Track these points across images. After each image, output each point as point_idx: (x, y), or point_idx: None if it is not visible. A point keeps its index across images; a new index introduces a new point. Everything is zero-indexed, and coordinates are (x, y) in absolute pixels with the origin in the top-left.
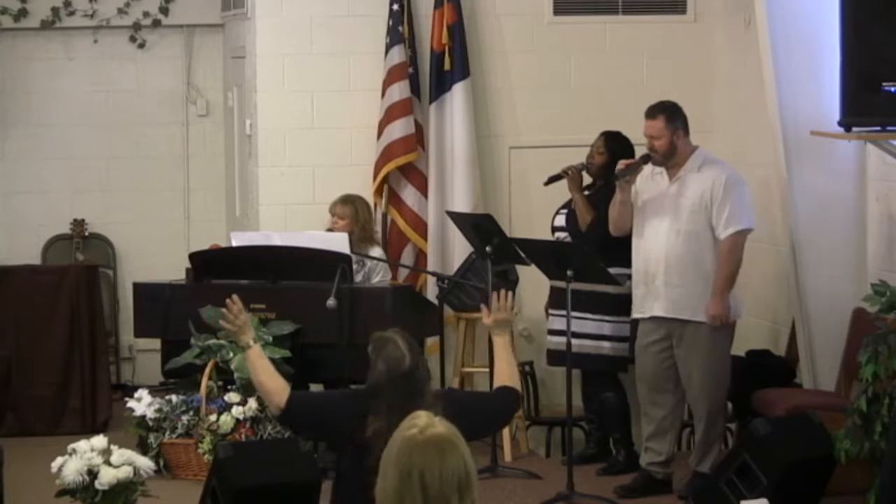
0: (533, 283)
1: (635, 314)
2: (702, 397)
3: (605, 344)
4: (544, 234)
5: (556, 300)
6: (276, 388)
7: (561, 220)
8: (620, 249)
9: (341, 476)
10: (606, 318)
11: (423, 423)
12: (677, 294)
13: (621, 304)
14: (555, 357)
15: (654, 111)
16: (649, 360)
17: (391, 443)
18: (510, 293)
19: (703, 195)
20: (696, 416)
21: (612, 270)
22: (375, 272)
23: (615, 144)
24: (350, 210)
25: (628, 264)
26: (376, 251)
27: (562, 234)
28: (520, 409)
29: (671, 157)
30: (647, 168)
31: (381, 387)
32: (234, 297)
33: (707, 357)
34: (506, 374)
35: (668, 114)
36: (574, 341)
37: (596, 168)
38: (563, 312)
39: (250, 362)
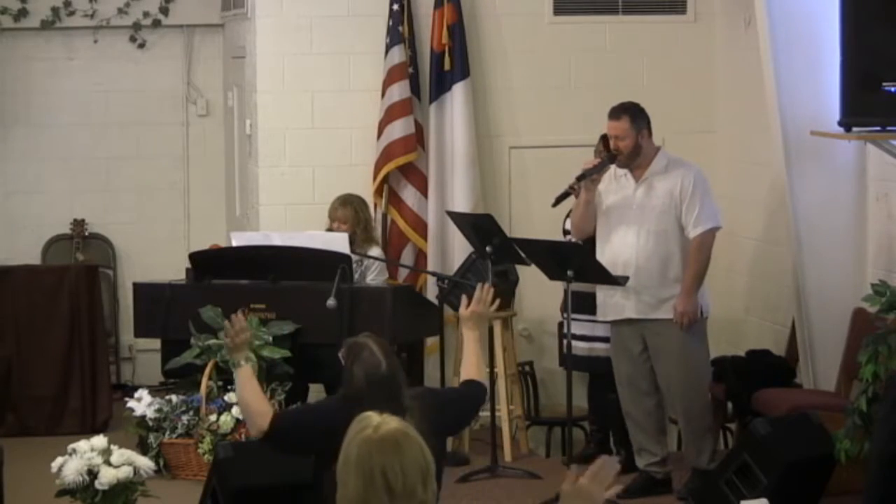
0: (533, 283)
1: (599, 317)
2: (681, 395)
3: None
4: (544, 234)
5: (573, 305)
6: (261, 410)
7: None
8: None
9: (328, 488)
10: None
11: (376, 421)
12: (649, 294)
13: None
14: (573, 361)
15: (617, 112)
16: (627, 363)
17: (347, 447)
18: (492, 289)
19: (671, 194)
20: (679, 415)
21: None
22: (371, 270)
23: None
24: (350, 212)
25: None
26: (375, 250)
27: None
28: (485, 402)
29: (636, 157)
30: (612, 170)
31: (362, 393)
32: (240, 314)
33: (683, 355)
34: (474, 369)
35: (632, 114)
36: (584, 344)
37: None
38: (582, 317)
39: (240, 381)
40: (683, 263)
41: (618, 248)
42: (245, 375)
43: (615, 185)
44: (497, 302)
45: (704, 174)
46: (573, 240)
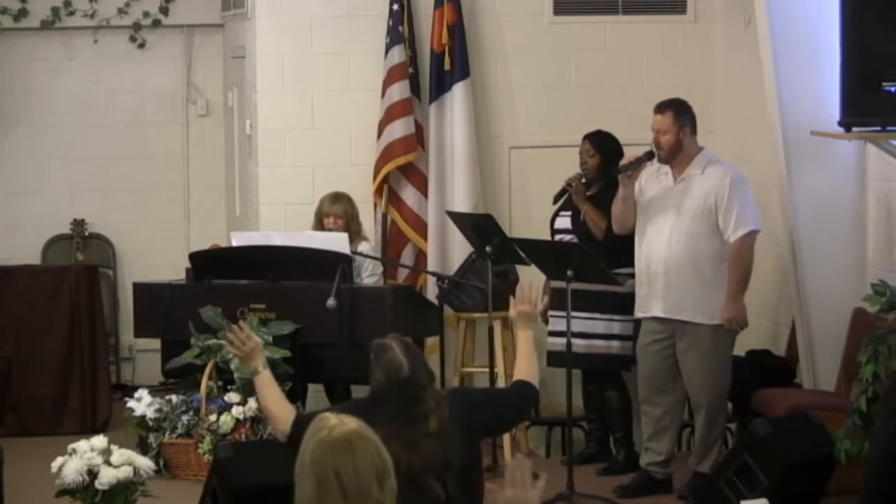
0: (533, 283)
1: (637, 313)
2: (701, 398)
3: (615, 343)
4: (544, 234)
5: (558, 301)
6: (283, 415)
7: (564, 223)
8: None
9: None
10: (615, 316)
11: (332, 423)
12: (677, 295)
13: (627, 303)
14: (559, 358)
15: (662, 106)
16: (650, 359)
17: (303, 450)
18: (536, 286)
19: (707, 197)
20: (696, 419)
21: (627, 271)
22: (364, 267)
23: (602, 142)
24: (345, 207)
25: None
26: (364, 245)
27: (567, 237)
28: (536, 401)
29: (676, 154)
30: (654, 167)
31: (381, 395)
32: (242, 324)
33: (707, 358)
34: (524, 369)
35: (677, 110)
36: (582, 342)
37: (592, 170)
38: (581, 314)
39: (258, 389)
40: (715, 267)
41: (653, 245)
42: (263, 382)
43: (655, 181)
44: (546, 299)
45: (743, 176)
46: (569, 238)
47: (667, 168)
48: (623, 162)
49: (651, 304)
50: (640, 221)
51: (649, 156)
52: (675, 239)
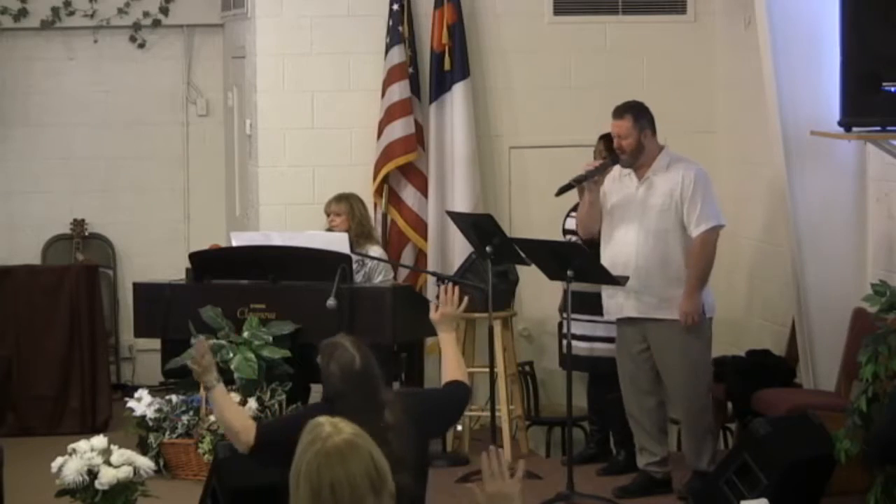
0: (533, 283)
1: (609, 316)
2: (682, 395)
3: None
4: (544, 235)
5: (573, 305)
6: (244, 426)
7: (573, 223)
8: None
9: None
10: None
11: (326, 432)
12: (649, 294)
13: None
14: (572, 361)
15: (620, 111)
16: (629, 362)
17: (299, 456)
18: (456, 288)
19: (672, 194)
20: (680, 415)
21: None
22: (377, 272)
23: None
24: (345, 207)
25: None
26: (375, 250)
27: (574, 237)
28: (470, 400)
29: (638, 156)
30: (615, 170)
31: (339, 391)
32: (201, 338)
33: (684, 355)
34: (455, 370)
35: (635, 113)
36: (585, 344)
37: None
38: (582, 317)
39: (215, 402)
40: (685, 263)
41: (618, 248)
42: (220, 395)
43: (618, 184)
44: (465, 300)
45: (707, 173)
46: (576, 239)
47: (628, 171)
48: (588, 168)
49: (623, 304)
50: (605, 225)
51: (613, 160)
52: (642, 238)
